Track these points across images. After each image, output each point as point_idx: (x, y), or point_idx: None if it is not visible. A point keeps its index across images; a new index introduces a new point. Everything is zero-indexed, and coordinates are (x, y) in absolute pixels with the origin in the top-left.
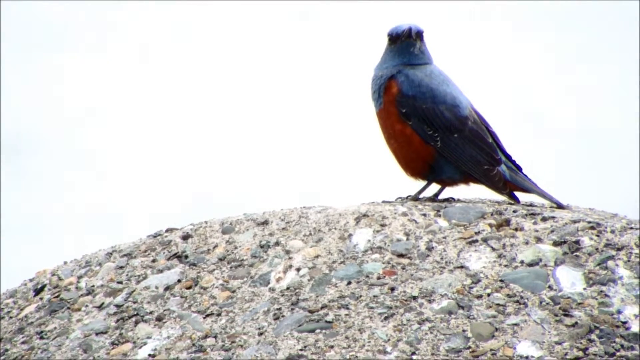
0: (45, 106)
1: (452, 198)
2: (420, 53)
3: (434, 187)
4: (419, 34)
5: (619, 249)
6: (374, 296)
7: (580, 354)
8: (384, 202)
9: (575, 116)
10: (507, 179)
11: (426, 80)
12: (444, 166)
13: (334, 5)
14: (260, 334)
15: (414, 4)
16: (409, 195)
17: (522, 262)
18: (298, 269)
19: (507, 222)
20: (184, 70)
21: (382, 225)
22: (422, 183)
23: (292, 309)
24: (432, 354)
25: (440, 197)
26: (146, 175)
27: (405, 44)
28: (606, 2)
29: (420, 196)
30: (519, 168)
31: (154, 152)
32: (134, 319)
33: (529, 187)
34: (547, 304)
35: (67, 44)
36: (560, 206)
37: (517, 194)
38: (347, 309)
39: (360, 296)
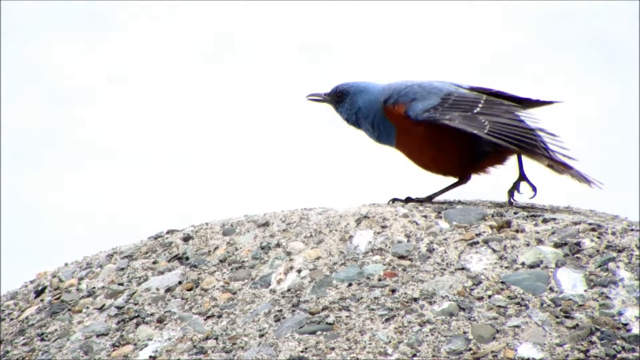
0: (43, 105)
1: (449, 202)
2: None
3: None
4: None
5: (619, 251)
6: (375, 298)
7: (582, 355)
8: (394, 200)
9: (575, 116)
10: None
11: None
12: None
13: (339, 4)
14: (261, 336)
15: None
16: (409, 197)
17: (523, 263)
18: (299, 271)
19: (508, 224)
20: (182, 67)
21: (383, 227)
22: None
23: (293, 311)
24: (433, 356)
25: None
26: (146, 176)
27: (347, 101)
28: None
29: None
30: None
31: (154, 152)
32: (134, 320)
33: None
34: (548, 305)
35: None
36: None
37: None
38: (348, 310)
39: (361, 298)
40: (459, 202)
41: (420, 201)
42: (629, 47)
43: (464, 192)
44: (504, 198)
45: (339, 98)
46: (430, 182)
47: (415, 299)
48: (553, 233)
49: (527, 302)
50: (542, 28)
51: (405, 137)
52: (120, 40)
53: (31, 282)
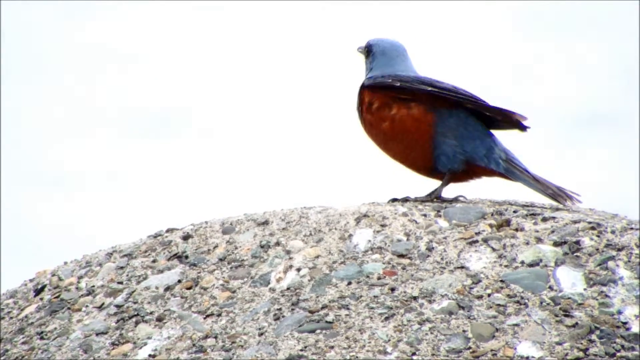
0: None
1: (458, 197)
2: (382, 65)
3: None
4: (369, 47)
5: (619, 250)
6: (375, 296)
7: (581, 354)
8: (393, 200)
9: (576, 117)
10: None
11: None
12: (446, 145)
13: (343, 3)
14: (261, 334)
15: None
16: (407, 197)
17: (522, 262)
18: (298, 269)
19: (508, 223)
20: (181, 65)
21: (383, 226)
22: (430, 186)
23: (293, 309)
24: (433, 354)
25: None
26: (146, 175)
27: (371, 57)
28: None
29: (441, 194)
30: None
31: (153, 151)
32: (134, 319)
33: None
34: (548, 304)
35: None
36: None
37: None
38: (348, 309)
39: (361, 296)
40: (459, 201)
41: (419, 200)
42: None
43: (463, 191)
44: (504, 196)
45: (367, 52)
46: (428, 181)
47: (415, 298)
48: (552, 232)
49: (526, 301)
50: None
51: (371, 132)
52: (115, 40)
53: (30, 280)
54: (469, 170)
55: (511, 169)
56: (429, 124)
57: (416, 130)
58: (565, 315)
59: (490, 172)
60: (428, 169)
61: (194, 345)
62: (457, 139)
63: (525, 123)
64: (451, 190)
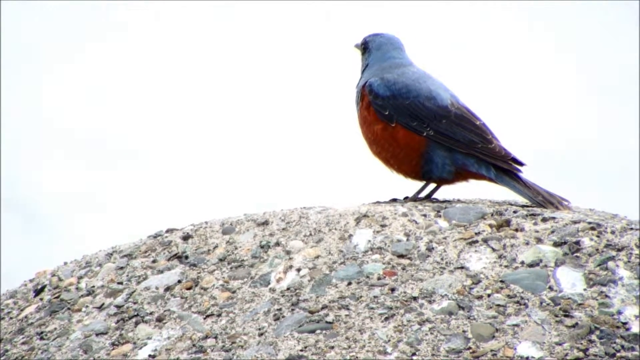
0: (41, 107)
1: (448, 200)
2: (379, 59)
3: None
4: (365, 43)
5: (619, 250)
6: (375, 297)
7: (581, 354)
8: (377, 202)
9: (576, 117)
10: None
11: (400, 79)
12: (437, 156)
13: (345, 4)
14: (261, 335)
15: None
16: (407, 197)
17: (522, 262)
18: (298, 270)
19: (508, 223)
20: (183, 67)
21: (383, 226)
22: (420, 183)
23: (293, 310)
24: (433, 355)
25: (435, 196)
26: (146, 175)
27: (367, 53)
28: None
29: (420, 196)
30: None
31: (154, 151)
32: (134, 319)
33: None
34: (548, 304)
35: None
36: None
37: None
38: (348, 309)
39: (361, 297)
40: (459, 201)
41: (413, 200)
42: None
43: (463, 191)
44: (503, 197)
45: (364, 48)
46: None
47: (415, 298)
48: (552, 232)
49: (526, 301)
50: None
51: (363, 128)
52: (118, 40)
53: (30, 280)
54: (459, 175)
55: (501, 175)
56: (421, 142)
57: (408, 145)
58: (565, 316)
59: (480, 177)
60: (416, 177)
61: (194, 345)
62: (448, 151)
63: (519, 166)
64: (445, 191)
